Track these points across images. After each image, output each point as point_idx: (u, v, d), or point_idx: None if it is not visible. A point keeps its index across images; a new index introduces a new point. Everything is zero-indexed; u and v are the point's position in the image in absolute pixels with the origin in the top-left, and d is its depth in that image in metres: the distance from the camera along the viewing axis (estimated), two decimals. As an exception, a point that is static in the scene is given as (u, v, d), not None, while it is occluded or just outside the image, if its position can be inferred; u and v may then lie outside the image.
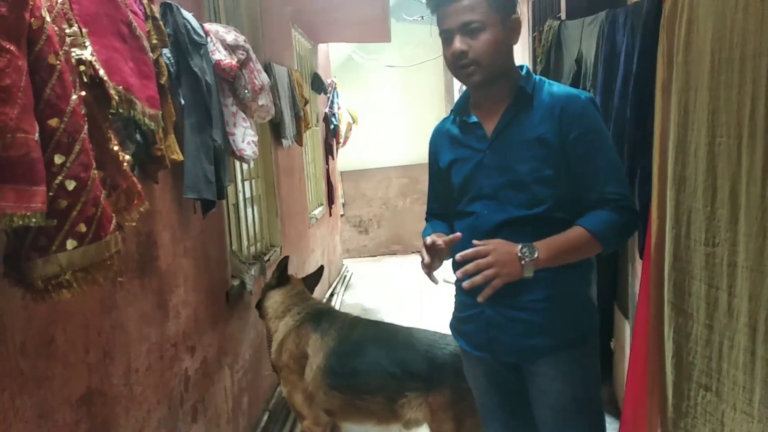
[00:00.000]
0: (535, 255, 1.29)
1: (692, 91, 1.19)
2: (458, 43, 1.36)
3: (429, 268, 1.42)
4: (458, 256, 1.32)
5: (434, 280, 1.45)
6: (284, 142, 3.58)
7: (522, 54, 3.89)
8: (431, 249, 1.41)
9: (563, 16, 2.99)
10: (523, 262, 1.29)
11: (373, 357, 2.10)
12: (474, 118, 1.48)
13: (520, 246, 1.30)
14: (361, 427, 2.16)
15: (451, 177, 1.52)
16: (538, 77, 1.48)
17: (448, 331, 1.65)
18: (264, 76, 2.43)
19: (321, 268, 2.83)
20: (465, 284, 1.27)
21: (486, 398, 1.63)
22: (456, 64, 1.40)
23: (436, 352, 1.99)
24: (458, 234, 1.40)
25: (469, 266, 1.30)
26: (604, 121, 2.10)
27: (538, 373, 1.46)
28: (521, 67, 1.48)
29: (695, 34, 1.18)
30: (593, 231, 1.34)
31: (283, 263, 2.56)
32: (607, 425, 1.60)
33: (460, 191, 1.51)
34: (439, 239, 1.40)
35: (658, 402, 1.38)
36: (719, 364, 1.11)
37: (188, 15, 1.93)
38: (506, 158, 1.42)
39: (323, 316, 2.37)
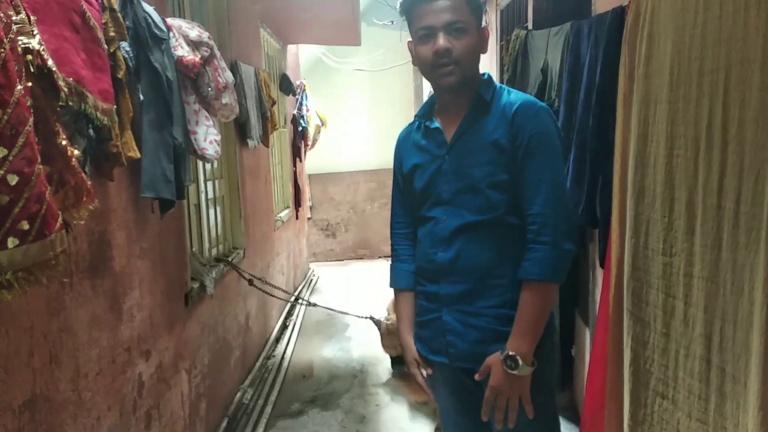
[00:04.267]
0: (519, 362, 1.31)
1: (652, 103, 1.21)
2: (443, 41, 1.35)
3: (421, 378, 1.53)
4: (483, 417, 1.39)
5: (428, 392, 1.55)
6: (250, 142, 3.51)
7: (490, 62, 3.93)
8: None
9: (530, 25, 3.03)
10: (516, 374, 1.31)
11: None
12: (436, 124, 1.49)
13: (503, 368, 1.33)
14: None
15: (414, 182, 1.52)
16: (498, 85, 1.49)
17: None
18: (229, 74, 2.38)
19: None
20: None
21: (445, 402, 1.63)
22: (436, 62, 1.37)
23: None
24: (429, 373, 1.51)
25: (497, 415, 1.36)
26: (568, 130, 2.10)
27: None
28: (483, 74, 1.49)
29: (656, 48, 1.19)
30: (539, 279, 1.33)
31: None
32: (568, 431, 1.62)
33: (421, 197, 1.51)
34: (419, 375, 1.52)
35: (615, 409, 1.40)
36: (675, 372, 1.13)
37: (149, 8, 1.87)
38: (463, 163, 1.42)
39: None
